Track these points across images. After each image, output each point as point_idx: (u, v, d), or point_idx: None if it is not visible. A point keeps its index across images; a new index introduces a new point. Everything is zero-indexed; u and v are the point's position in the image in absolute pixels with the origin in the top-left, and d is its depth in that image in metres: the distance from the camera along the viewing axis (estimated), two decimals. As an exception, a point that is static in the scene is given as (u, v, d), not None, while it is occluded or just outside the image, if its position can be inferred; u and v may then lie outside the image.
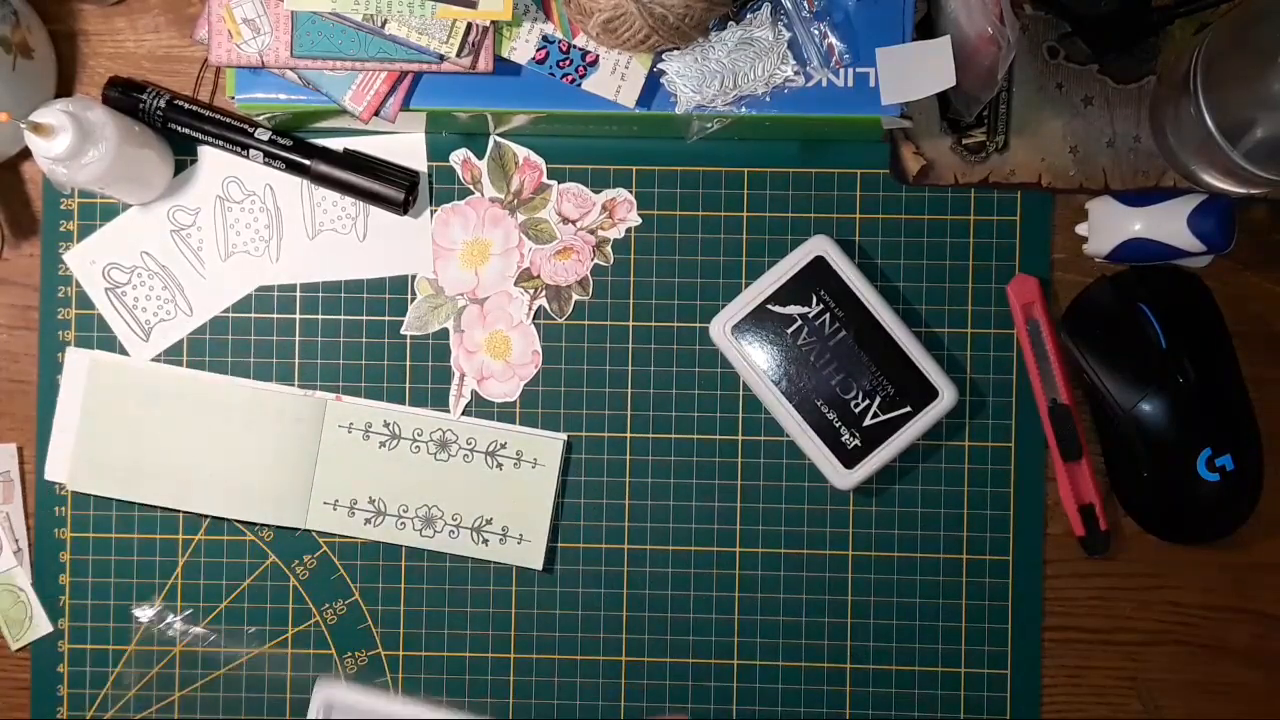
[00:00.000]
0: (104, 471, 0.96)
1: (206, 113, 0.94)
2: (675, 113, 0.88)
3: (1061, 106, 0.95)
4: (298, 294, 0.97)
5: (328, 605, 0.97)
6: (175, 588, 0.97)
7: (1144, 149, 0.95)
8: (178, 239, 0.97)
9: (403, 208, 0.95)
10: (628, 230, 0.96)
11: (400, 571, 0.97)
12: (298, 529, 0.97)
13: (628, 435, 0.96)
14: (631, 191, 0.96)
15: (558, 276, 0.96)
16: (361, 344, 0.97)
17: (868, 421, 0.93)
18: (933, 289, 0.96)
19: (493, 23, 0.86)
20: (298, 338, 0.97)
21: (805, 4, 0.87)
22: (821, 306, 0.93)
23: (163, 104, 0.94)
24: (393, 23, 0.85)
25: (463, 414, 0.96)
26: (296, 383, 0.97)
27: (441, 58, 0.86)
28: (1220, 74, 0.85)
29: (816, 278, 0.93)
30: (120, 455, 0.96)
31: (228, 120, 0.94)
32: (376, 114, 0.88)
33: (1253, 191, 0.91)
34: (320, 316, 0.97)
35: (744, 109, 0.88)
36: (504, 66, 0.88)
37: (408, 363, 0.96)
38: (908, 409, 0.93)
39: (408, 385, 0.96)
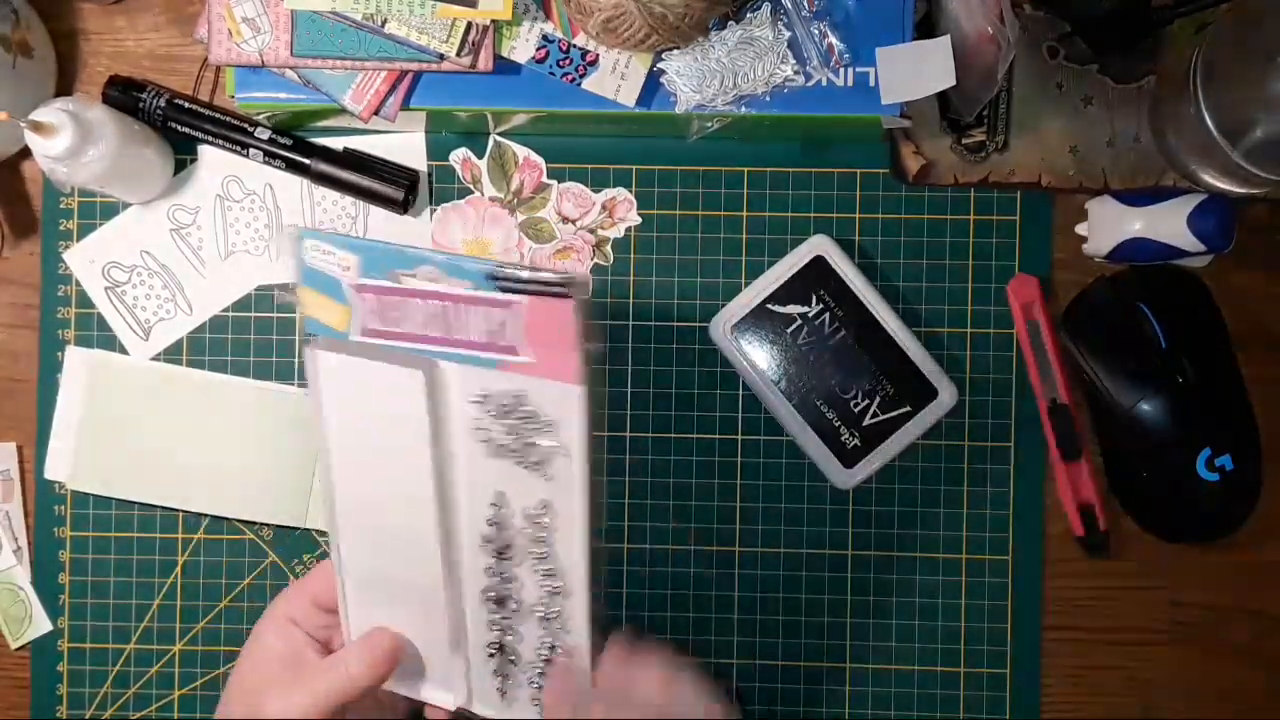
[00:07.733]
0: (104, 471, 0.96)
1: (206, 112, 0.94)
2: (675, 112, 0.88)
3: (1061, 106, 0.95)
4: (298, 293, 0.97)
5: (327, 605, 0.97)
6: (175, 587, 0.97)
7: (1144, 149, 0.95)
8: (178, 238, 0.97)
9: (403, 207, 0.95)
10: (627, 230, 0.96)
11: (400, 571, 0.96)
12: (297, 528, 0.97)
13: (627, 435, 0.96)
14: (631, 191, 0.96)
15: (558, 276, 0.96)
16: (361, 343, 0.97)
17: (868, 421, 0.93)
18: (933, 289, 0.96)
19: (493, 22, 0.86)
20: (298, 337, 0.97)
21: (805, 3, 0.87)
22: (821, 306, 0.93)
23: (163, 103, 0.94)
24: (392, 22, 0.85)
25: (462, 413, 0.96)
26: (296, 382, 0.97)
27: (441, 57, 0.86)
28: (1220, 74, 0.85)
29: (816, 277, 0.93)
30: (120, 454, 0.96)
31: (227, 119, 0.94)
32: (376, 113, 0.88)
33: (1253, 191, 0.91)
34: (320, 316, 0.97)
35: (744, 109, 0.88)
36: (504, 66, 0.88)
37: (407, 362, 0.96)
38: (907, 408, 0.93)
39: (407, 385, 0.96)
